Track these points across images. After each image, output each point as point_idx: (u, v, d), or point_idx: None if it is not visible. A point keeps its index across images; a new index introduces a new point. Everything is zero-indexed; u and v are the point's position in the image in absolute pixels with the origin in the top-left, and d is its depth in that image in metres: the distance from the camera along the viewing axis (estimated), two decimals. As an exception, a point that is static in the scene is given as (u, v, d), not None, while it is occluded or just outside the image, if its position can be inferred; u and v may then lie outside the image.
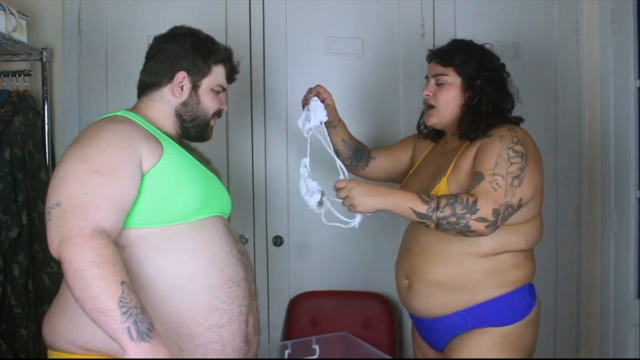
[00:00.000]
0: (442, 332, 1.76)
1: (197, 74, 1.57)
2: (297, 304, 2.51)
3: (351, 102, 2.51)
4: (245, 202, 2.46)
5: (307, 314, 2.50)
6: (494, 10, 2.63)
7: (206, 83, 1.59)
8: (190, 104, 1.57)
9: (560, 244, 2.70)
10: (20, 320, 2.02)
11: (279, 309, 2.52)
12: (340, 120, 1.96)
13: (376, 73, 2.59)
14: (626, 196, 2.48)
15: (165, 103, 1.57)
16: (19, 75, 2.21)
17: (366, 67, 2.58)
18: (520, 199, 1.60)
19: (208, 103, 1.60)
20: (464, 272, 1.69)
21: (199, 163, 1.56)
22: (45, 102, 2.27)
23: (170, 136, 1.56)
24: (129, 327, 1.20)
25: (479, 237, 1.62)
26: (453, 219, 1.54)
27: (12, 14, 2.06)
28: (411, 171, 1.95)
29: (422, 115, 1.91)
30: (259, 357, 2.16)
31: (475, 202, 1.54)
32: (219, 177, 1.67)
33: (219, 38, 2.40)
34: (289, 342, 2.24)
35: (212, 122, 1.63)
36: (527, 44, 2.65)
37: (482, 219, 1.54)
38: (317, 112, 1.79)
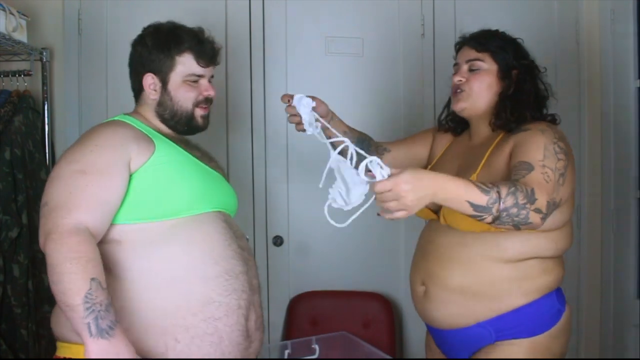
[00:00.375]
0: (462, 345, 1.62)
1: (163, 71, 1.56)
2: (297, 304, 2.51)
3: (351, 102, 2.51)
4: (245, 202, 2.46)
5: (307, 314, 2.50)
6: (494, 10, 2.63)
7: (174, 77, 1.57)
8: (164, 103, 1.58)
9: (560, 244, 2.69)
10: (20, 320, 2.02)
11: (279, 309, 2.52)
12: (333, 113, 1.80)
13: (376, 73, 2.59)
14: (626, 196, 2.48)
15: (148, 105, 1.60)
16: (19, 75, 2.21)
17: (366, 67, 2.58)
18: (560, 199, 1.47)
19: (182, 96, 1.57)
20: (486, 279, 1.56)
21: (196, 160, 1.57)
22: (45, 102, 2.27)
23: (168, 135, 1.58)
24: (89, 323, 1.24)
25: (504, 241, 1.54)
26: (514, 210, 1.34)
27: (12, 14, 2.06)
28: (429, 167, 1.81)
29: (445, 107, 1.81)
30: (260, 356, 2.16)
31: (533, 191, 1.37)
32: (224, 176, 1.68)
33: (219, 38, 2.42)
34: (289, 342, 2.24)
35: (199, 112, 1.60)
36: (528, 44, 2.63)
37: (538, 210, 1.37)
38: (302, 103, 1.64)
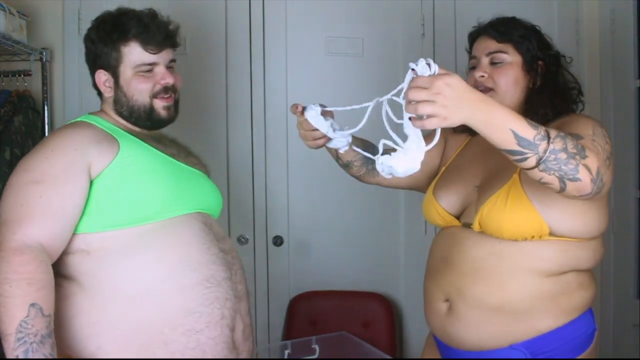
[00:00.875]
0: None
1: (112, 65, 1.45)
2: (297, 304, 2.51)
3: (351, 102, 2.51)
4: (246, 202, 2.46)
5: (307, 314, 2.50)
6: (494, 10, 2.60)
7: (124, 70, 1.44)
8: (119, 99, 1.46)
9: (560, 244, 2.70)
10: (20, 320, 2.02)
11: (279, 309, 2.52)
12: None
13: (376, 73, 2.58)
14: (626, 196, 2.48)
15: (107, 103, 1.50)
16: (19, 75, 2.21)
17: (366, 67, 2.58)
18: (605, 183, 1.25)
19: (135, 89, 1.44)
20: (526, 295, 1.37)
21: (169, 158, 1.46)
22: (45, 102, 2.27)
23: (136, 132, 1.48)
24: (17, 356, 1.14)
25: (545, 251, 1.36)
26: (563, 156, 1.15)
27: (12, 14, 2.05)
28: (443, 168, 1.61)
29: None
30: (259, 357, 2.16)
31: (583, 148, 1.19)
32: (206, 172, 1.57)
33: (219, 38, 2.44)
34: (288, 342, 2.24)
35: (159, 103, 1.46)
36: (527, 44, 2.65)
37: (588, 168, 1.18)
38: (314, 116, 1.41)
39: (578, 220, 1.35)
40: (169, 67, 1.49)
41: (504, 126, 1.13)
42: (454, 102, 1.09)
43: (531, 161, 1.15)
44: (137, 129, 1.49)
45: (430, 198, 1.55)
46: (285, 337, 2.48)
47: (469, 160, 1.56)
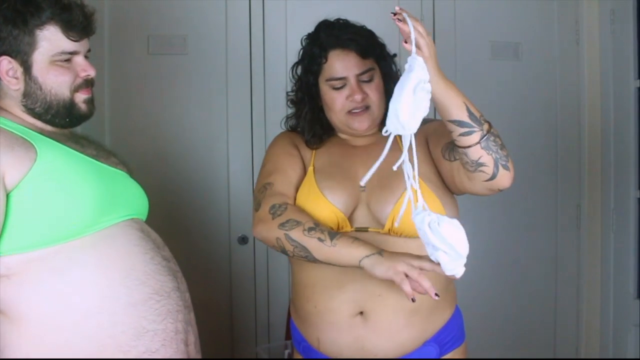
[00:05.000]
0: None
1: (22, 52, 1.20)
2: (297, 304, 2.51)
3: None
4: (245, 202, 2.46)
5: (307, 314, 2.50)
6: (494, 10, 2.63)
7: (39, 58, 1.21)
8: (32, 93, 1.23)
9: (560, 243, 2.70)
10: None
11: (279, 309, 2.52)
12: None
13: (376, 73, 2.59)
14: (626, 196, 2.48)
15: (12, 98, 1.25)
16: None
17: (366, 67, 2.58)
18: None
19: (53, 82, 1.23)
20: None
21: (93, 160, 1.27)
22: (45, 102, 2.25)
23: (49, 132, 1.27)
24: None
25: None
26: (499, 141, 1.24)
27: (12, 14, 2.04)
28: (311, 167, 1.50)
29: (307, 124, 1.63)
30: (259, 357, 2.16)
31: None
32: (129, 172, 1.37)
33: (219, 38, 2.45)
34: (289, 342, 2.24)
35: (80, 96, 1.28)
36: (527, 44, 2.65)
37: (512, 163, 1.28)
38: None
39: (454, 212, 1.41)
40: (86, 58, 1.30)
41: (458, 98, 1.21)
42: (433, 51, 1.22)
43: (475, 137, 1.22)
44: (49, 128, 1.28)
45: (316, 195, 1.42)
46: (286, 337, 2.48)
47: (341, 159, 1.50)
